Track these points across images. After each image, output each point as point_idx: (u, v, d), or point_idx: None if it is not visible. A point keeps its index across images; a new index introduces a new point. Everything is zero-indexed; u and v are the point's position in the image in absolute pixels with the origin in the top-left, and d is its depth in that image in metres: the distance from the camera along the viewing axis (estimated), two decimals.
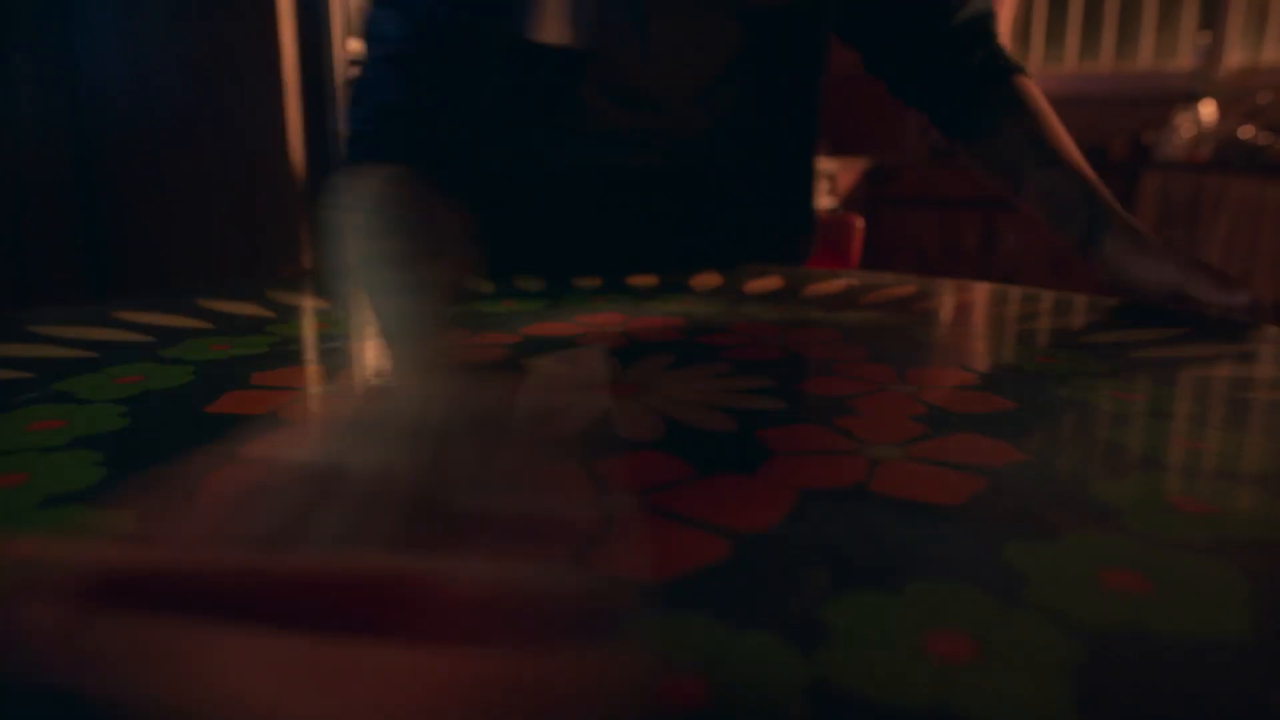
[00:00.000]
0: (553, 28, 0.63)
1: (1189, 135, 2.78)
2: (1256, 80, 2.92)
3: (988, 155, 0.78)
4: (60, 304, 0.62)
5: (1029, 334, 0.61)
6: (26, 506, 0.30)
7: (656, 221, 0.80)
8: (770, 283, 0.77)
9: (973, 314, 0.69)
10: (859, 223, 1.35)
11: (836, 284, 0.76)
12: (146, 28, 1.55)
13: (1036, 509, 0.31)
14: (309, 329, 0.60)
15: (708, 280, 0.78)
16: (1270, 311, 2.52)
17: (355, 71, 0.67)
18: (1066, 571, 0.26)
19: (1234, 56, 3.00)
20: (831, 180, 2.77)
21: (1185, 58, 3.07)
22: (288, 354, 0.52)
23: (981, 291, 0.76)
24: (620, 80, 0.71)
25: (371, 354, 0.53)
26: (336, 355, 0.54)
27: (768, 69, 0.74)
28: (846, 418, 0.41)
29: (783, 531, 0.29)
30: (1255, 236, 2.52)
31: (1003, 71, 0.77)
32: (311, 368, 0.50)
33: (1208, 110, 2.80)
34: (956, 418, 0.41)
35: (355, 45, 1.53)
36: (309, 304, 0.68)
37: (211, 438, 0.38)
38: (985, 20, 0.78)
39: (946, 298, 0.73)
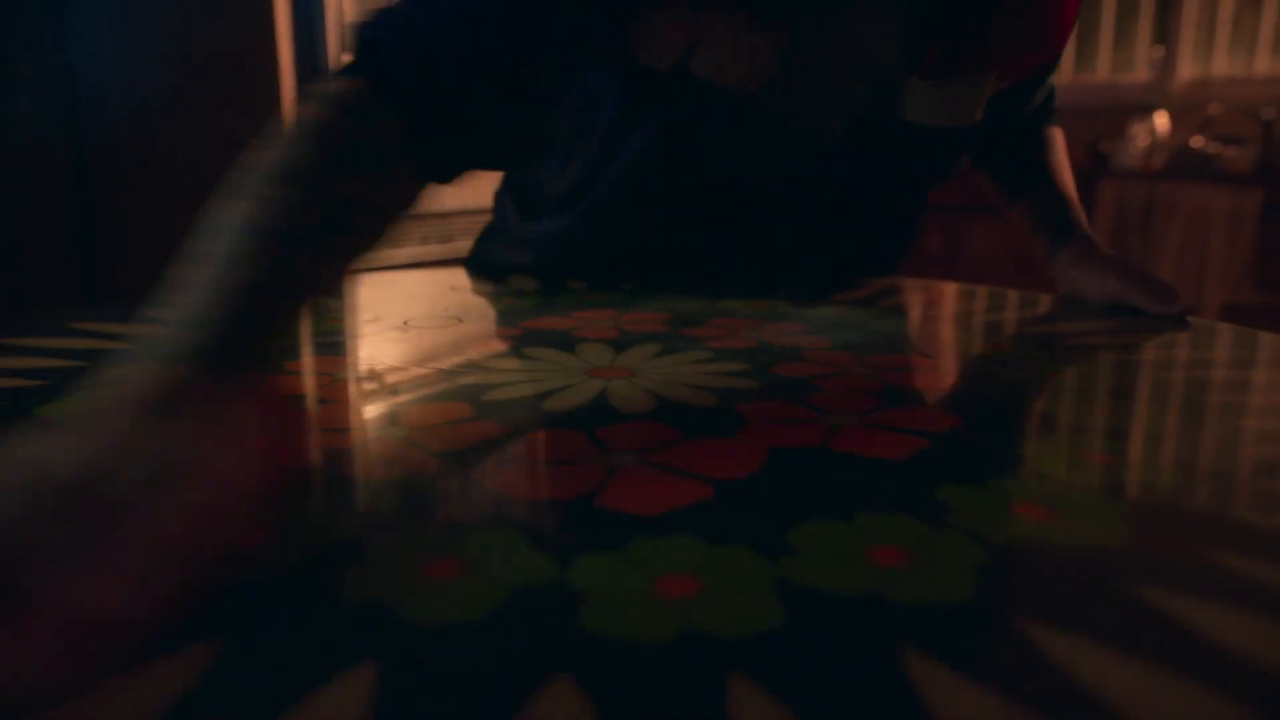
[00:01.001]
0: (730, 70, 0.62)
1: (1144, 145, 2.89)
2: (1207, 93, 3.04)
3: (998, 172, 0.88)
4: (58, 307, 0.66)
5: (978, 325, 0.68)
6: None
7: (779, 235, 0.80)
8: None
9: (929, 309, 0.75)
10: None
11: (809, 283, 0.83)
12: (144, 35, 1.58)
13: (966, 462, 0.38)
14: (324, 324, 0.65)
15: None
16: (1220, 314, 2.63)
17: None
18: (984, 505, 0.33)
19: (1186, 70, 3.12)
20: None
21: (1140, 71, 3.19)
22: (305, 345, 0.58)
23: (938, 289, 0.82)
24: (764, 118, 0.68)
25: (370, 347, 0.58)
26: (354, 346, 0.59)
27: (912, 164, 0.74)
28: (811, 394, 0.47)
29: (755, 479, 0.35)
30: (1206, 243, 2.63)
31: (1041, 123, 0.86)
32: (336, 356, 0.56)
33: (1161, 121, 2.91)
34: (907, 393, 0.48)
35: (349, 59, 1.57)
36: (324, 301, 0.73)
37: None
38: (1051, 97, 0.85)
39: (908, 295, 0.79)
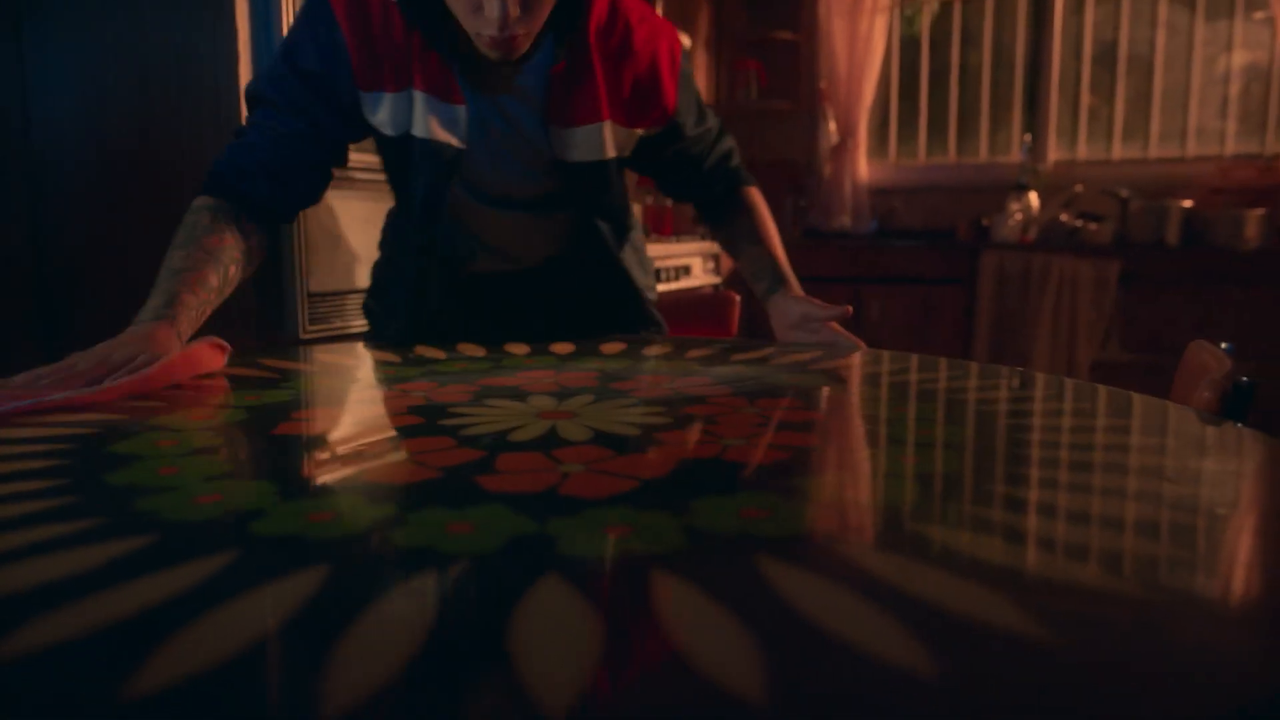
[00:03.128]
0: (440, 133, 0.95)
1: (1019, 219, 3.22)
2: (1073, 174, 3.41)
3: (724, 236, 1.22)
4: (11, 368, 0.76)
5: (851, 378, 0.85)
6: (194, 479, 0.48)
7: (509, 305, 1.14)
8: (663, 349, 0.99)
9: (811, 365, 0.92)
10: (737, 298, 1.60)
11: (714, 348, 0.99)
12: (105, 98, 1.63)
13: (821, 463, 0.53)
14: (311, 384, 0.78)
15: (614, 347, 0.99)
16: (1090, 372, 2.91)
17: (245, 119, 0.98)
18: (823, 486, 0.48)
19: (1054, 153, 3.49)
20: (715, 261, 3.07)
21: (1015, 153, 3.56)
22: (307, 400, 0.70)
23: (819, 350, 0.99)
24: (474, 182, 1.03)
25: (350, 402, 0.71)
26: (342, 402, 0.72)
27: (580, 192, 1.06)
28: (712, 425, 0.62)
29: (668, 476, 0.49)
30: (1074, 305, 2.93)
31: (737, 184, 1.19)
32: (330, 407, 0.68)
33: (1034, 199, 3.25)
34: (783, 423, 0.63)
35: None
36: (300, 366, 0.85)
37: (287, 444, 0.55)
38: (727, 158, 1.19)
39: (799, 355, 0.96)
